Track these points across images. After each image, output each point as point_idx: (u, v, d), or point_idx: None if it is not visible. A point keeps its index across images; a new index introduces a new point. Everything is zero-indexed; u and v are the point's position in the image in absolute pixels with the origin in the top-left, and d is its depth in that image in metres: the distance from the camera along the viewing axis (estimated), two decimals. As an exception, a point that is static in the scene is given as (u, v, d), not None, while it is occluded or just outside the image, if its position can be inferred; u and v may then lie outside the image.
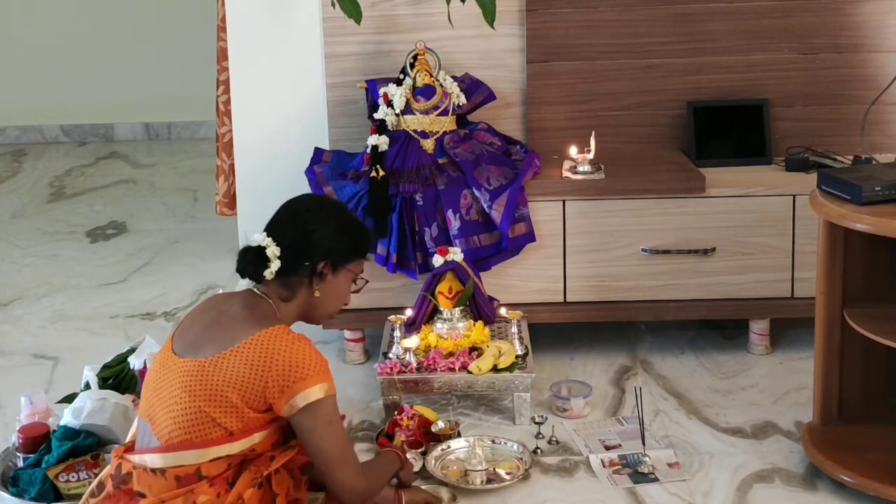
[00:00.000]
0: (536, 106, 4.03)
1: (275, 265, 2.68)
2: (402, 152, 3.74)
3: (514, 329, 3.47)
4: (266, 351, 2.56)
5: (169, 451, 2.55)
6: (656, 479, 3.07)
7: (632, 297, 3.73)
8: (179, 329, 2.72)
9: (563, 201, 3.68)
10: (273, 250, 2.68)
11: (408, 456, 3.08)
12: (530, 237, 3.65)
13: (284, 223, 2.74)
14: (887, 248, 3.09)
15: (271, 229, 2.74)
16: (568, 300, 3.74)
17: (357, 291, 2.86)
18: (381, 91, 3.80)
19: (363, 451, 3.24)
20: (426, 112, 3.78)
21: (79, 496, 2.83)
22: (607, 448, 3.23)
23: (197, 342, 2.63)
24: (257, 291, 2.72)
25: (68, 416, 3.10)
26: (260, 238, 2.71)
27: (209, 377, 2.55)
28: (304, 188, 3.76)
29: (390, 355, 3.43)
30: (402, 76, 3.83)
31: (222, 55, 4.46)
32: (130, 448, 2.67)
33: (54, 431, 3.07)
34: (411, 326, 3.55)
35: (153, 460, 2.56)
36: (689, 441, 3.28)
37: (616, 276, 3.71)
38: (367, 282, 2.89)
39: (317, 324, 2.86)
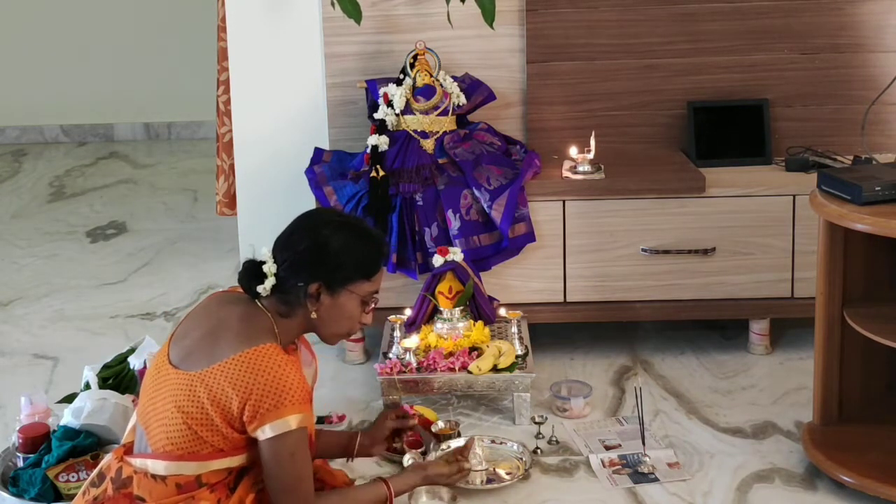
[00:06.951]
0: (536, 106, 4.03)
1: (269, 282, 2.62)
2: (402, 152, 3.74)
3: (514, 329, 3.47)
4: (248, 371, 2.50)
5: (171, 460, 2.53)
6: (656, 479, 3.07)
7: (632, 297, 3.73)
8: (178, 331, 2.68)
9: (563, 201, 3.68)
10: (270, 267, 2.63)
11: (407, 456, 3.09)
12: (530, 237, 3.65)
13: (287, 239, 2.67)
14: (887, 248, 3.09)
15: (277, 244, 2.68)
16: (568, 300, 3.74)
17: (369, 313, 2.75)
18: (381, 91, 3.80)
19: (363, 451, 3.24)
20: (426, 112, 3.78)
21: (79, 496, 2.83)
22: (607, 448, 3.23)
23: (192, 352, 2.59)
24: (258, 304, 2.65)
25: (68, 416, 3.10)
26: (265, 253, 2.66)
27: (196, 393, 2.51)
28: (304, 188, 3.76)
29: (390, 355, 3.42)
30: (402, 76, 3.83)
31: (222, 55, 4.46)
32: (130, 450, 2.66)
33: (54, 431, 3.07)
34: (411, 326, 3.54)
35: (154, 466, 2.54)
36: (689, 441, 3.28)
37: (616, 276, 3.71)
38: (377, 303, 2.78)
39: (328, 343, 2.78)
